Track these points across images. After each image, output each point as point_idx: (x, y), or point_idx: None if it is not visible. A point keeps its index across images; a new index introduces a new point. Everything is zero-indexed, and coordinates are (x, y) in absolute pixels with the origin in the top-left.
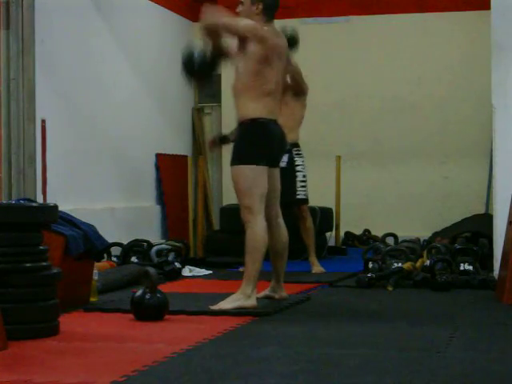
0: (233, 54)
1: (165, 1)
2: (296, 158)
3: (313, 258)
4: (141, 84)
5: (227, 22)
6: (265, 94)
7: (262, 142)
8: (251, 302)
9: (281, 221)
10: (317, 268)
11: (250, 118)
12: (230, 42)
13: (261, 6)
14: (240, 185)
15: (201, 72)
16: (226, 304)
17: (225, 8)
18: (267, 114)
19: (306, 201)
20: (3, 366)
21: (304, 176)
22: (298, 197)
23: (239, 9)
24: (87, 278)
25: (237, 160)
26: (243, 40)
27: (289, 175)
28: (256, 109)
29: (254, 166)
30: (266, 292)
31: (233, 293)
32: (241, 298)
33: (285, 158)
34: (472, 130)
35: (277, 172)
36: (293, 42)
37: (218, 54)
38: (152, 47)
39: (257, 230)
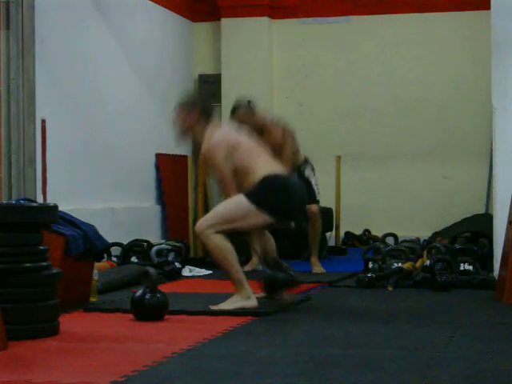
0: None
1: (165, 1)
2: (304, 170)
3: (314, 259)
4: (141, 84)
5: (221, 182)
6: (258, 159)
7: (279, 196)
8: (252, 303)
9: (263, 230)
10: (317, 268)
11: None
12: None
13: (197, 113)
14: (229, 208)
15: None
16: (227, 305)
17: None
18: (276, 170)
19: (319, 202)
20: (3, 366)
21: (316, 181)
22: (318, 198)
23: (176, 129)
24: (87, 277)
25: (247, 192)
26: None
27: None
28: (262, 173)
29: (257, 210)
30: None
31: (233, 293)
32: (241, 299)
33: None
34: (472, 130)
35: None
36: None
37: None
38: (152, 47)
39: (217, 243)
